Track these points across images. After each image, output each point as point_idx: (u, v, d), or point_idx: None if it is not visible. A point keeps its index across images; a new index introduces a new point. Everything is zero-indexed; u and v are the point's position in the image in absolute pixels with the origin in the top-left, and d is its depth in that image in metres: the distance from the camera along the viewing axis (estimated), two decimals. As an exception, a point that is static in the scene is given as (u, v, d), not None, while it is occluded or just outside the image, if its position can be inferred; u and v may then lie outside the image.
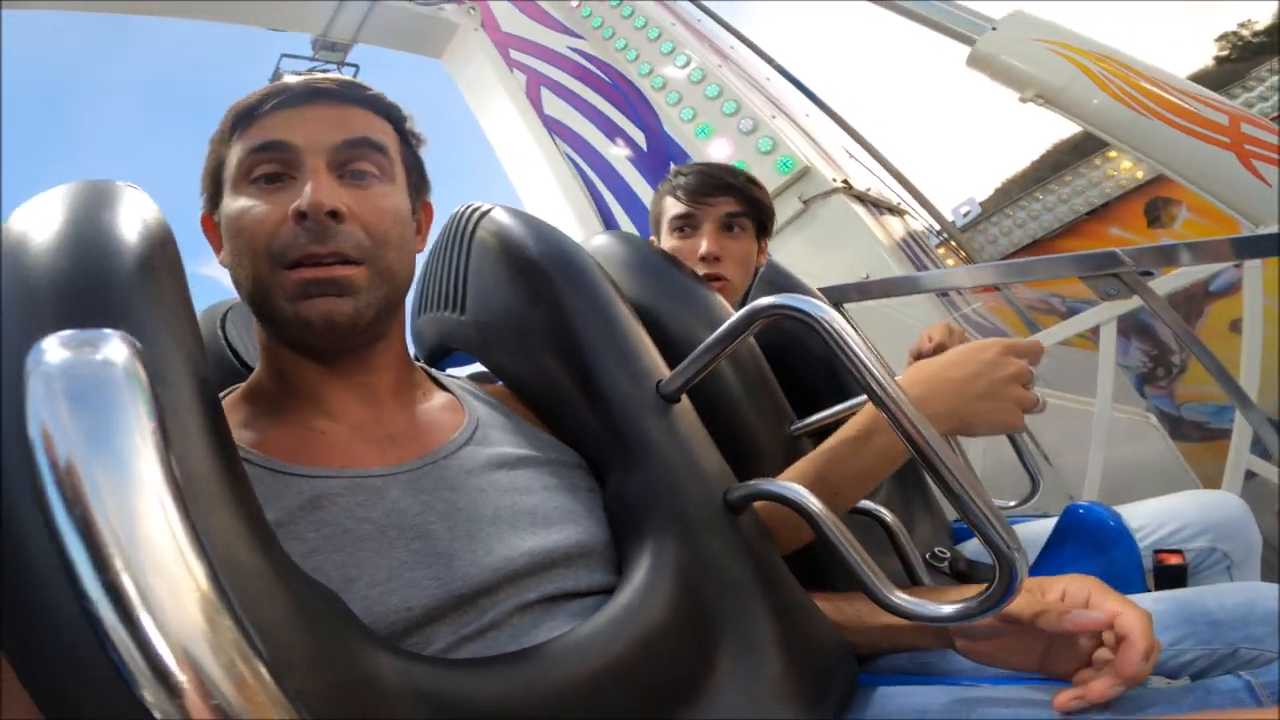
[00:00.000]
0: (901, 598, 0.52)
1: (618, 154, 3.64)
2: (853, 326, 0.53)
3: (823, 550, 0.57)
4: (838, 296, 1.83)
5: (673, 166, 1.09)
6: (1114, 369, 1.70)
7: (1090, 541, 0.95)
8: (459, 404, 0.64)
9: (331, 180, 0.54)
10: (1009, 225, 5.38)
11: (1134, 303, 1.53)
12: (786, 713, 0.51)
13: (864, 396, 0.64)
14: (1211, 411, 3.80)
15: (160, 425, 0.22)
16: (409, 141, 0.64)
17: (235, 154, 0.56)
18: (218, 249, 0.59)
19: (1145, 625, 0.50)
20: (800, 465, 0.72)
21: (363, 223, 0.54)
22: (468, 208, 0.76)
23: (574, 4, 3.98)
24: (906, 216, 3.78)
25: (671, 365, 0.67)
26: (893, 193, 3.76)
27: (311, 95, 0.57)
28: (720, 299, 0.91)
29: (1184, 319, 1.68)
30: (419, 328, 0.83)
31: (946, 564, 0.99)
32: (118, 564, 0.20)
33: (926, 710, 0.56)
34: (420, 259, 0.66)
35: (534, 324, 0.67)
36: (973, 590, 0.49)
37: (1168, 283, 1.83)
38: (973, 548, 1.07)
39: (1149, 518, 0.97)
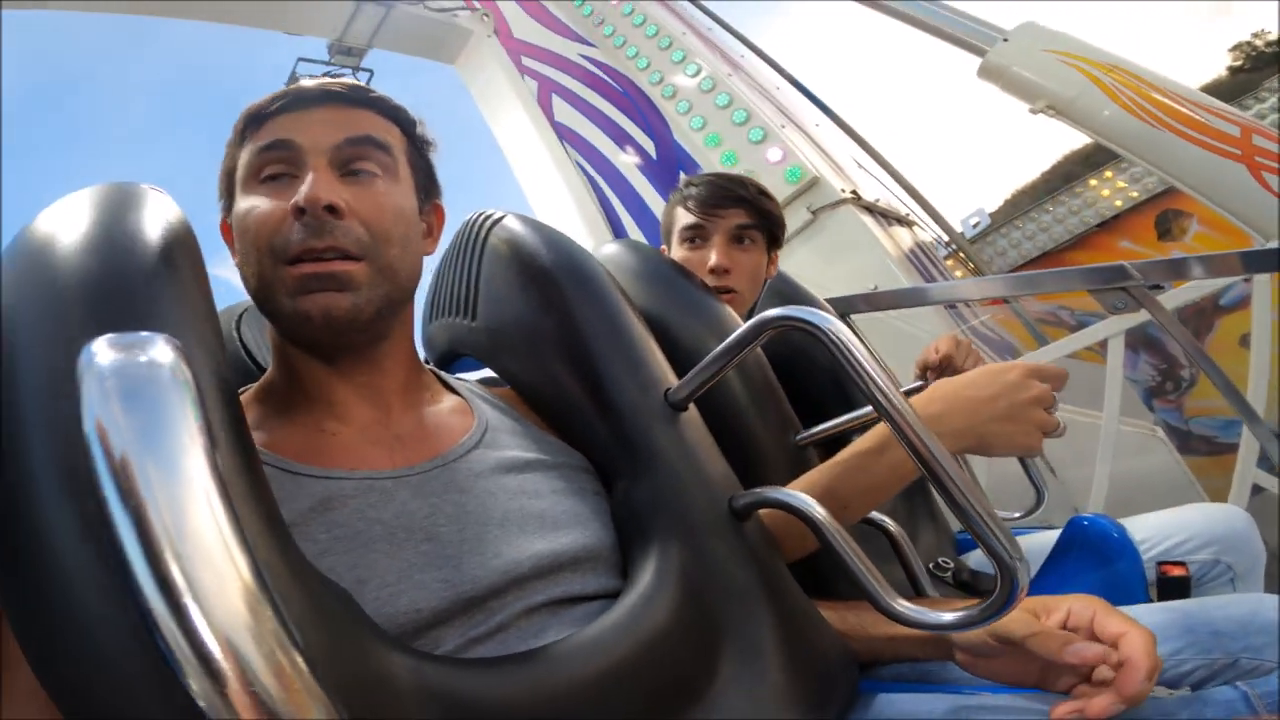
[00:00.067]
0: (904, 605, 0.52)
1: (627, 161, 3.67)
2: (860, 337, 0.54)
3: (827, 558, 0.57)
4: (845, 307, 1.84)
5: (683, 176, 1.10)
6: (1121, 382, 1.69)
7: (1094, 553, 0.95)
8: (468, 407, 0.64)
9: (331, 177, 0.55)
10: (1018, 237, 5.36)
11: (1142, 316, 1.52)
12: (788, 717, 0.51)
13: (869, 407, 0.65)
14: (1220, 426, 3.76)
15: (205, 424, 0.23)
16: (416, 144, 0.64)
17: (245, 156, 0.57)
18: (234, 252, 0.59)
19: (1149, 646, 0.50)
20: (811, 476, 0.72)
21: (363, 218, 0.54)
22: (480, 215, 0.77)
23: (585, 11, 4.01)
24: (915, 227, 3.77)
25: (680, 374, 0.68)
26: (901, 203, 3.75)
27: (320, 98, 0.58)
28: (729, 310, 0.91)
29: (1194, 333, 1.67)
30: (430, 333, 0.84)
31: (950, 574, 0.99)
32: (168, 555, 0.21)
33: (927, 717, 0.56)
34: (432, 265, 0.66)
35: (544, 331, 0.68)
36: (975, 600, 0.50)
37: (1178, 296, 1.81)
38: (976, 558, 1.07)
39: (1153, 530, 0.97)
